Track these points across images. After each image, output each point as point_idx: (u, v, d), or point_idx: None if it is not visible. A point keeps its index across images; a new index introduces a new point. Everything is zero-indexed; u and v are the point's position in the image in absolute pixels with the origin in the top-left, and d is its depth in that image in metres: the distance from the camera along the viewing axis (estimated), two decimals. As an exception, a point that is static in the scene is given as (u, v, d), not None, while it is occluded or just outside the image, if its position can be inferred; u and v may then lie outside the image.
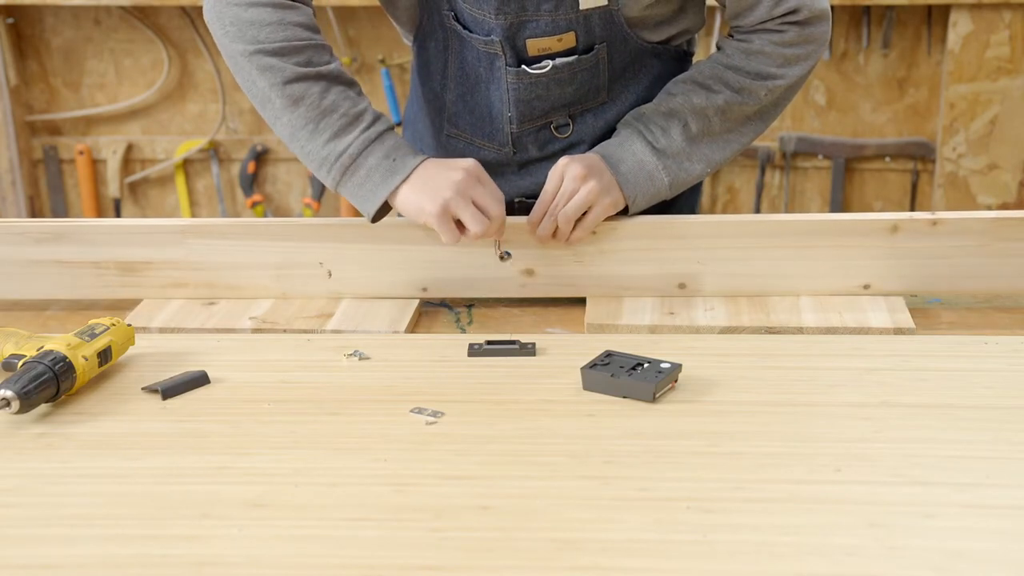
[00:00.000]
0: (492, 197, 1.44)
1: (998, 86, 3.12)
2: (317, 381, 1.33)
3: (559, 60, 1.53)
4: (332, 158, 1.45)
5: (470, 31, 1.54)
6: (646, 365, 1.29)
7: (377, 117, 1.47)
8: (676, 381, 1.29)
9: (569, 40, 1.52)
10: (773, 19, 1.50)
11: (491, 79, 1.56)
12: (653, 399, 1.25)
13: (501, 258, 1.50)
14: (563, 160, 1.50)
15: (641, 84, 1.60)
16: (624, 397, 1.26)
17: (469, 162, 1.45)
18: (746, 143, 1.57)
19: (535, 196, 1.60)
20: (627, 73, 1.58)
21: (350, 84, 1.48)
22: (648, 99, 1.59)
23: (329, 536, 1.02)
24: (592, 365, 1.29)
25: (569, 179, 1.48)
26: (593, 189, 1.47)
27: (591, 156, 1.52)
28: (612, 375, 1.27)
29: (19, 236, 1.56)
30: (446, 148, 1.65)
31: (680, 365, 1.29)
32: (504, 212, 1.45)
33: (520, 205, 1.63)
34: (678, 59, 1.63)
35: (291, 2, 1.47)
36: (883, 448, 1.15)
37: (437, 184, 1.42)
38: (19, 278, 1.58)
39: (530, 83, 1.54)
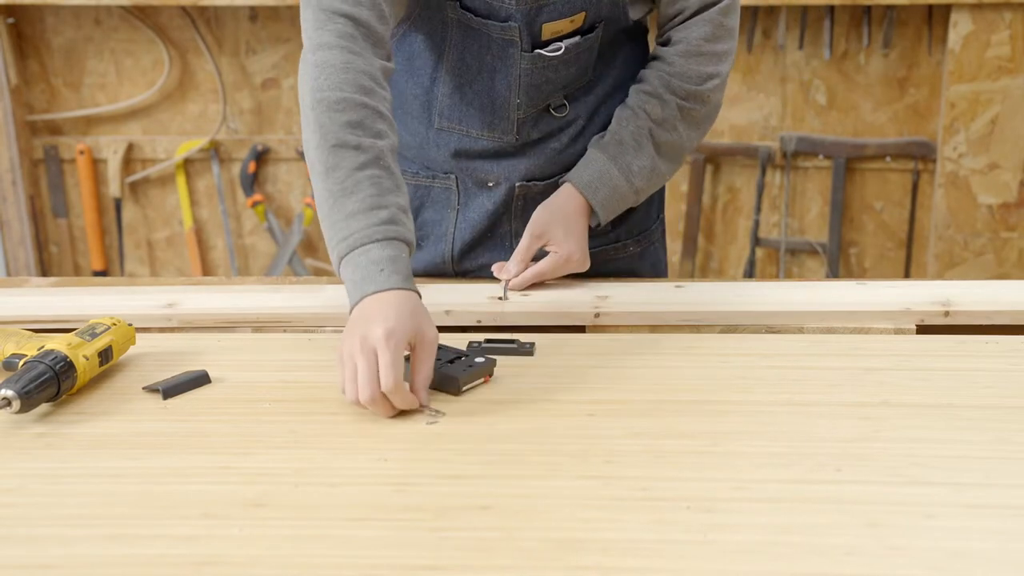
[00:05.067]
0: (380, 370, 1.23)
1: (999, 86, 3.12)
2: (317, 381, 1.33)
3: (568, 41, 1.56)
4: (337, 238, 1.33)
5: (485, 18, 1.55)
6: (463, 358, 1.31)
7: (394, 219, 1.33)
8: (491, 375, 1.31)
9: (579, 20, 1.56)
10: (708, 4, 1.57)
11: (498, 67, 1.57)
12: (459, 391, 1.27)
13: (500, 298, 1.53)
14: (541, 222, 1.57)
15: (619, 60, 1.65)
16: (435, 389, 1.29)
17: (390, 338, 1.24)
18: (693, 147, 1.66)
19: (535, 179, 1.64)
20: (608, 52, 1.63)
21: (387, 171, 1.36)
22: (625, 73, 1.66)
23: (329, 536, 1.02)
24: None
25: (531, 238, 1.57)
26: (552, 264, 1.56)
27: (561, 210, 1.57)
28: None
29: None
30: (436, 142, 1.65)
31: (495, 360, 1.31)
32: (383, 391, 1.23)
33: (521, 189, 1.64)
34: (641, 36, 1.70)
35: (359, 48, 1.40)
36: (883, 448, 1.15)
37: (362, 330, 1.26)
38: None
39: (543, 67, 1.57)
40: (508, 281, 1.55)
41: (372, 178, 1.34)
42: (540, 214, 1.57)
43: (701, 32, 1.58)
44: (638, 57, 1.68)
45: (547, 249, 1.57)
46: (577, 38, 1.56)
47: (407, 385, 1.24)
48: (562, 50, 1.56)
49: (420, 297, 1.31)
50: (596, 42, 1.58)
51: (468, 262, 1.70)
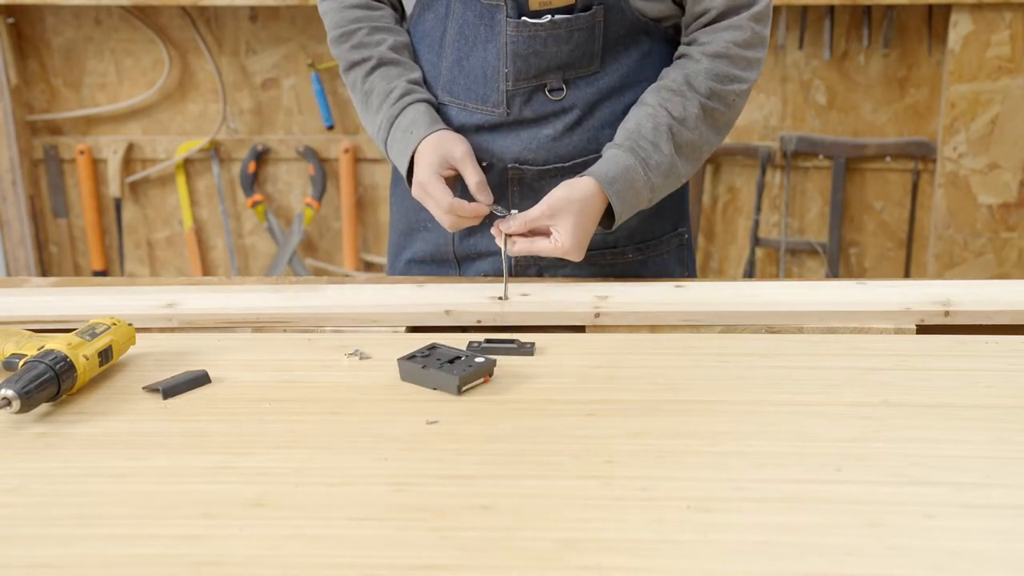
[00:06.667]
0: (438, 200, 1.56)
1: (999, 86, 3.12)
2: (317, 381, 1.33)
3: (558, 16, 1.57)
4: (374, 134, 1.67)
5: None
6: (463, 358, 1.30)
7: (405, 92, 1.63)
8: (491, 375, 1.30)
9: None
10: (736, 7, 1.57)
11: (490, 36, 1.59)
12: (459, 392, 1.27)
13: (501, 298, 1.53)
14: (560, 201, 1.52)
15: (632, 58, 1.63)
16: (434, 388, 1.28)
17: (424, 170, 1.56)
18: (711, 151, 1.63)
19: (528, 162, 1.63)
20: (619, 45, 1.62)
21: (392, 63, 1.65)
22: (638, 74, 1.63)
23: (329, 536, 1.02)
24: (411, 356, 1.31)
25: (542, 214, 1.52)
26: (546, 249, 1.53)
27: (583, 205, 1.52)
28: (424, 367, 1.29)
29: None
30: (442, 116, 1.67)
31: (495, 360, 1.31)
32: (452, 198, 1.55)
33: (514, 172, 1.64)
34: (668, 41, 1.66)
35: None
36: (883, 448, 1.15)
37: (415, 177, 1.59)
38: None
39: (528, 36, 1.58)
40: (507, 281, 1.55)
41: (380, 76, 1.65)
42: (561, 198, 1.52)
43: (732, 36, 1.57)
44: (656, 62, 1.64)
45: (552, 231, 1.53)
46: (570, 15, 1.57)
47: (461, 202, 1.54)
48: (547, 20, 1.56)
49: (443, 127, 1.60)
50: (595, 25, 1.58)
51: (468, 247, 1.71)
